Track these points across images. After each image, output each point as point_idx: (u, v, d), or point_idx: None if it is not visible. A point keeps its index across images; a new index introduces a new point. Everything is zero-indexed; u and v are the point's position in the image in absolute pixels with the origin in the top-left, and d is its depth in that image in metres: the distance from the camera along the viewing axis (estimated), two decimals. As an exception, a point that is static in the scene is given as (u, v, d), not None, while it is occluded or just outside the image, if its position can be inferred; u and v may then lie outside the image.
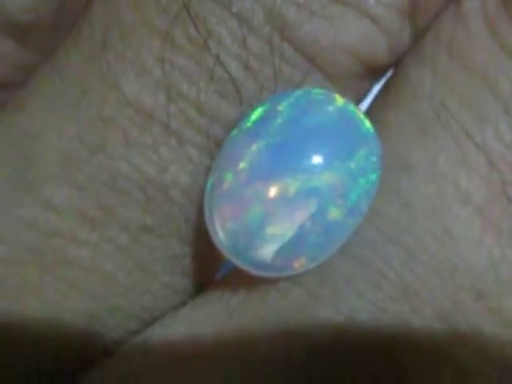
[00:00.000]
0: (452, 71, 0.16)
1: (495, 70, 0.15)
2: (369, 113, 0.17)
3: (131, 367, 0.16)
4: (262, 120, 0.15)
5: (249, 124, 0.15)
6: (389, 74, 0.17)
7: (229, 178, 0.15)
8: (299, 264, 0.15)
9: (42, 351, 0.16)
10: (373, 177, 0.15)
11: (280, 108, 0.15)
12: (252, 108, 0.16)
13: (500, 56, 0.15)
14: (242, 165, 0.15)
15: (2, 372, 0.16)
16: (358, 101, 0.17)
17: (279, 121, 0.15)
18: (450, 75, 0.16)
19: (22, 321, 0.15)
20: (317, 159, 0.15)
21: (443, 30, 0.16)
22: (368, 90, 0.17)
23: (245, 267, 0.15)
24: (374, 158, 0.15)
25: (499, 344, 0.15)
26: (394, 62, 0.17)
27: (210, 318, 0.16)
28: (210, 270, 0.17)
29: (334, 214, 0.15)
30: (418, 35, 0.17)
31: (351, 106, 0.15)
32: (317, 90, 0.16)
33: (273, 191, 0.15)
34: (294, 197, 0.15)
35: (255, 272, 0.15)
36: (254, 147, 0.15)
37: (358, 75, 0.16)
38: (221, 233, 0.15)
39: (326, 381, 0.15)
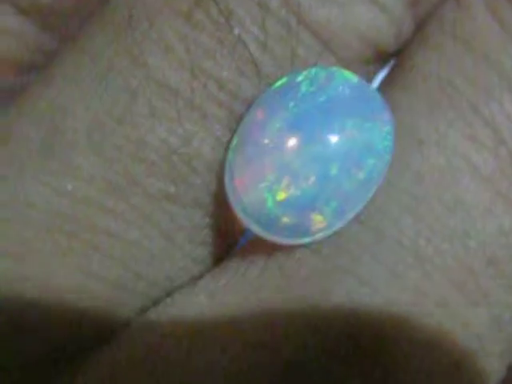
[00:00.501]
0: (457, 53, 0.17)
1: (498, 50, 0.16)
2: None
3: (146, 341, 0.16)
4: (281, 92, 0.16)
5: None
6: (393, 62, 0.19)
7: (248, 149, 0.16)
8: (316, 227, 0.16)
9: (67, 322, 0.16)
10: (386, 147, 0.16)
11: (299, 80, 0.16)
12: (269, 85, 0.16)
13: (502, 37, 0.17)
14: (261, 136, 0.16)
15: (27, 340, 0.16)
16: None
17: (298, 94, 0.16)
18: (455, 57, 0.17)
19: (47, 287, 0.16)
20: (334, 129, 0.16)
21: (447, 15, 0.17)
22: (375, 76, 0.18)
23: (263, 234, 0.16)
24: (386, 129, 0.16)
25: (509, 311, 0.16)
26: (399, 47, 0.18)
27: (228, 290, 0.16)
28: (229, 241, 0.17)
29: (349, 181, 0.16)
30: (422, 22, 0.18)
31: (364, 83, 0.16)
32: (333, 68, 0.16)
33: (291, 156, 0.15)
34: (311, 163, 0.15)
35: (273, 238, 0.16)
36: (274, 119, 0.16)
37: (367, 59, 0.17)
38: (240, 200, 0.16)
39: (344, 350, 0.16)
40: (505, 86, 0.16)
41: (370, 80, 0.18)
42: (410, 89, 0.17)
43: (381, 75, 0.18)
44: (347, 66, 0.17)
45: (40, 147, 0.16)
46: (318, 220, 0.16)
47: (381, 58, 0.18)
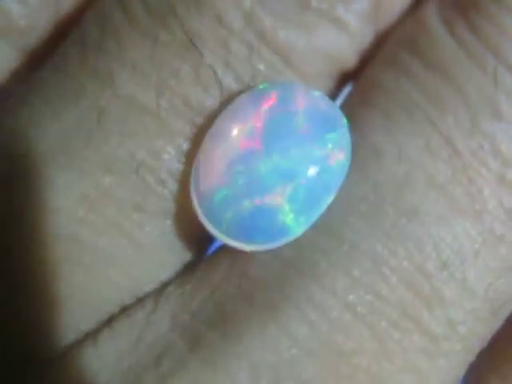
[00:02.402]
0: (414, 67, 0.18)
1: (454, 65, 0.17)
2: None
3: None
4: (244, 105, 0.17)
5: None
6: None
7: (212, 158, 0.17)
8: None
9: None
10: (343, 157, 0.17)
11: (259, 94, 0.17)
12: (231, 100, 0.17)
13: (458, 52, 0.17)
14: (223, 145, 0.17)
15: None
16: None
17: (259, 108, 0.17)
18: (413, 71, 0.18)
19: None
20: (292, 140, 0.17)
21: (405, 31, 0.18)
22: (338, 93, 0.19)
23: (225, 240, 0.17)
24: (344, 141, 0.17)
25: (462, 312, 0.17)
26: (360, 63, 0.19)
27: (192, 296, 0.17)
28: (198, 247, 0.18)
29: (306, 192, 0.16)
30: (382, 39, 0.19)
31: (324, 96, 0.17)
32: (294, 83, 0.17)
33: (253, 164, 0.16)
34: (266, 175, 0.16)
35: (235, 245, 0.17)
36: (236, 129, 0.17)
37: (330, 76, 0.18)
38: (202, 208, 0.17)
39: None
40: (460, 99, 0.17)
41: (332, 97, 0.19)
42: (367, 102, 0.18)
43: (344, 92, 0.19)
44: (310, 82, 0.18)
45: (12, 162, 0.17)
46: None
47: (342, 74, 0.19)
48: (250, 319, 0.16)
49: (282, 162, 0.16)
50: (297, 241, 0.17)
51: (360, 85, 0.18)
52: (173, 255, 0.18)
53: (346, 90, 0.19)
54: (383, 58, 0.18)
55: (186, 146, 0.17)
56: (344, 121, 0.17)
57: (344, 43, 0.18)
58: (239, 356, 0.16)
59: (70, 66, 0.18)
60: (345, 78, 0.19)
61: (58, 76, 0.18)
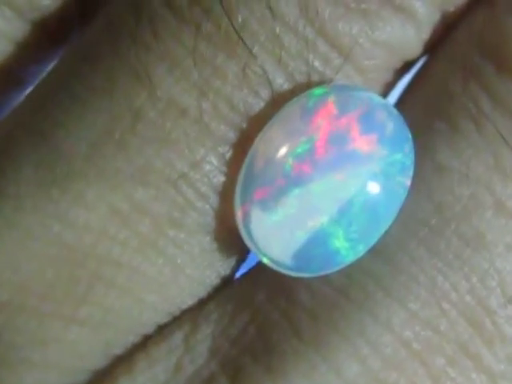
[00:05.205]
0: (486, 73, 0.16)
1: None
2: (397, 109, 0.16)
3: None
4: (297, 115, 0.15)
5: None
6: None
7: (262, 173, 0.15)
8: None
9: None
10: (405, 179, 0.15)
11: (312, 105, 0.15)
12: (283, 104, 0.15)
13: None
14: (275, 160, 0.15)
15: None
16: (388, 92, 0.17)
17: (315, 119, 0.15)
18: (483, 75, 0.16)
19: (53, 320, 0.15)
20: (349, 160, 0.15)
21: (476, 28, 0.16)
22: (398, 81, 0.17)
23: (271, 264, 0.15)
24: (408, 162, 0.15)
25: None
26: (425, 54, 0.17)
27: (233, 317, 0.16)
28: (235, 264, 0.16)
29: (364, 216, 0.15)
30: (450, 30, 0.16)
31: (389, 106, 0.15)
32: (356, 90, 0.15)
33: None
34: (319, 199, 0.15)
35: (281, 269, 0.15)
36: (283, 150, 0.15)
37: (392, 68, 0.16)
38: (248, 228, 0.15)
39: None
40: None
41: (393, 85, 0.17)
42: (430, 106, 0.16)
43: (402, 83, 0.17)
44: (369, 76, 0.16)
45: (38, 171, 0.15)
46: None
47: (407, 64, 0.17)
48: (297, 354, 0.15)
49: (337, 185, 0.15)
50: (349, 266, 0.15)
51: (423, 84, 0.16)
52: (212, 273, 0.16)
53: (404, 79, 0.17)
54: (450, 56, 0.16)
55: (229, 154, 0.15)
56: (409, 138, 0.15)
57: (410, 34, 0.16)
58: None
59: (101, 59, 0.15)
60: (408, 67, 0.17)
61: (86, 69, 0.15)
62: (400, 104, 0.17)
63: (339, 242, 0.15)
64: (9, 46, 0.17)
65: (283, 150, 0.15)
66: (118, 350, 0.16)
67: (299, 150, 0.15)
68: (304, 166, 0.15)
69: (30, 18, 0.17)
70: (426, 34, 0.16)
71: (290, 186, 0.15)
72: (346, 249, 0.15)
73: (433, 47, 0.17)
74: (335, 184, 0.15)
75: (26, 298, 0.15)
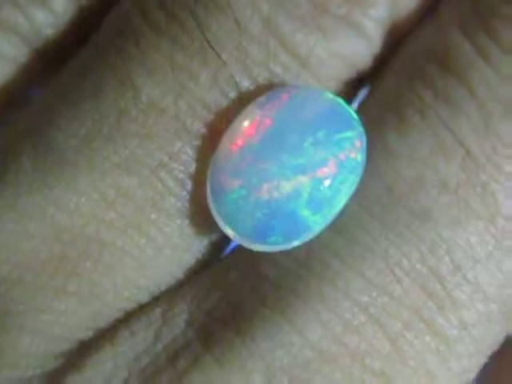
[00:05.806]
0: (430, 72, 0.18)
1: (468, 68, 0.17)
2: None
3: None
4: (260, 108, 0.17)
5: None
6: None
7: (229, 159, 0.17)
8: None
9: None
10: (358, 159, 0.17)
11: (276, 97, 0.17)
12: (248, 103, 0.18)
13: (472, 55, 0.17)
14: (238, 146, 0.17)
15: None
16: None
17: (274, 109, 0.17)
18: (428, 75, 0.18)
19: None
20: (308, 142, 0.17)
21: (422, 39, 0.18)
22: (354, 95, 0.19)
23: (237, 238, 0.17)
24: (358, 143, 0.17)
25: (475, 314, 0.17)
26: (376, 67, 0.19)
27: (208, 294, 0.18)
28: (215, 248, 0.18)
29: (322, 190, 0.17)
30: (399, 43, 0.19)
31: (338, 99, 0.17)
32: (311, 88, 0.18)
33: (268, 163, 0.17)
34: (281, 171, 0.17)
35: (252, 247, 0.17)
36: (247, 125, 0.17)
37: (346, 79, 0.19)
38: (218, 207, 0.17)
39: None
40: (473, 100, 0.17)
41: (348, 99, 0.19)
42: (382, 104, 0.18)
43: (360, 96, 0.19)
44: (326, 85, 0.18)
45: (34, 160, 0.17)
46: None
47: (360, 77, 0.19)
48: (264, 319, 0.17)
49: (298, 159, 0.17)
50: (310, 242, 0.17)
51: (375, 89, 0.19)
52: (190, 255, 0.18)
53: (362, 93, 0.19)
54: (398, 61, 0.18)
55: (203, 147, 0.18)
56: (360, 121, 0.17)
57: (361, 48, 0.18)
58: (254, 356, 0.16)
59: (91, 69, 0.18)
60: (360, 80, 0.19)
61: (78, 78, 0.18)
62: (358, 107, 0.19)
63: (302, 212, 0.17)
64: (14, 69, 0.19)
65: (246, 128, 0.17)
66: (102, 323, 0.17)
67: (259, 127, 0.17)
68: (263, 136, 0.17)
69: (34, 46, 0.19)
70: (375, 47, 0.18)
71: (249, 167, 0.17)
72: (309, 217, 0.17)
73: (383, 60, 0.19)
74: (295, 158, 0.17)
75: (23, 272, 0.17)
